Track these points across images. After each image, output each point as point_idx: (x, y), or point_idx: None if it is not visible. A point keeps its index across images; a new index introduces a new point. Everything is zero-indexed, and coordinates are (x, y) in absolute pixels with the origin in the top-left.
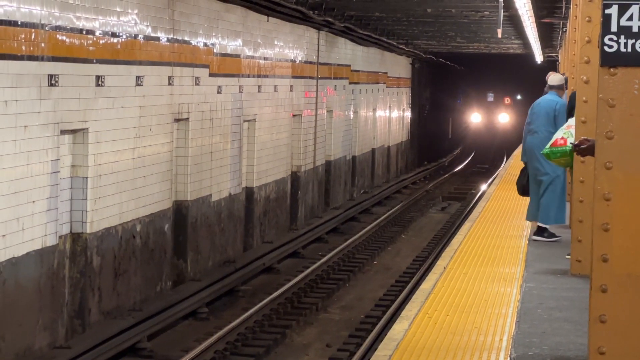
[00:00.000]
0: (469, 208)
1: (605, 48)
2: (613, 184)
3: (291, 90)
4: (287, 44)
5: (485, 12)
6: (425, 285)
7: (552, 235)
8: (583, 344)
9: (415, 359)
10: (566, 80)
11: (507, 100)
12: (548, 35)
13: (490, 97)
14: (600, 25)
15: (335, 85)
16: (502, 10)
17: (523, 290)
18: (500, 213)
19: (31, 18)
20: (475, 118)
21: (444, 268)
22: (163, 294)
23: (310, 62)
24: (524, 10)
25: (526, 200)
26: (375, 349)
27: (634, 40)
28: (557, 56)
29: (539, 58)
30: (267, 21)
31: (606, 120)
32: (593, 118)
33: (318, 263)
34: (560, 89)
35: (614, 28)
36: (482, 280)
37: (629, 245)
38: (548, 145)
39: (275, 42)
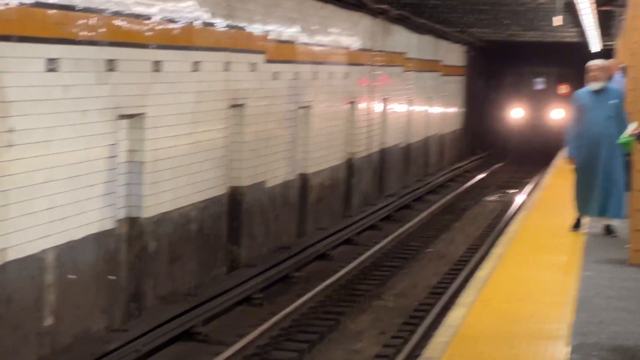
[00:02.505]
0: (524, 197)
1: None
2: None
3: (346, 78)
4: (342, 31)
5: (542, 0)
6: (482, 272)
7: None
8: None
9: (473, 346)
10: (624, 68)
11: (564, 88)
12: (605, 24)
13: (539, 84)
14: None
15: (390, 73)
16: None
17: (581, 278)
18: (556, 202)
19: (90, 3)
20: (515, 114)
21: (500, 256)
22: (217, 279)
23: (366, 50)
24: None
25: None
26: (429, 337)
27: None
28: (613, 44)
29: (595, 47)
30: (324, 8)
31: None
32: None
33: (372, 250)
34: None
35: None
36: (538, 269)
37: None
38: (625, 134)
39: (331, 29)
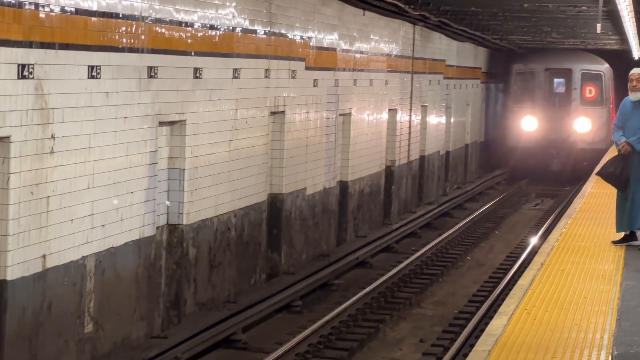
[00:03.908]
0: (563, 205)
1: None
2: None
3: (386, 85)
4: (382, 38)
5: (583, 7)
6: (523, 281)
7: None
8: None
9: (515, 355)
10: None
11: (591, 90)
12: None
13: (560, 87)
14: None
15: (430, 80)
16: (601, 5)
17: (623, 288)
18: (596, 210)
19: (132, 10)
20: (527, 125)
21: (542, 264)
22: (257, 286)
23: (406, 57)
24: (624, 5)
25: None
26: (470, 345)
27: None
28: None
29: (637, 54)
30: (363, 15)
31: None
32: None
33: (411, 258)
34: None
35: None
36: (580, 277)
37: None
38: None
39: (371, 36)
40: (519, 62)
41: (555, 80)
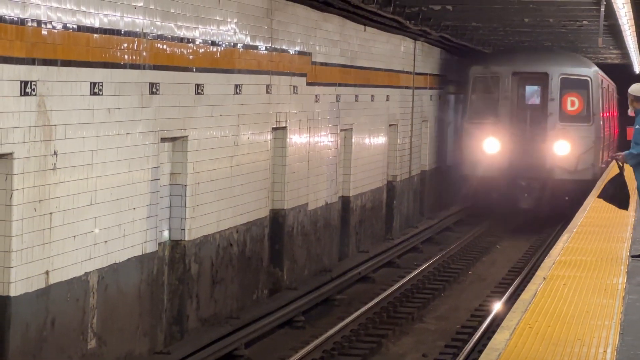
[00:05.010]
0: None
1: None
2: None
3: (387, 100)
4: (383, 54)
5: (584, 22)
6: (525, 295)
7: None
8: None
9: None
10: None
11: (574, 101)
12: None
13: (534, 97)
14: None
15: (430, 95)
16: (602, 19)
17: (626, 302)
18: (598, 224)
19: (134, 27)
20: (488, 149)
21: (544, 278)
22: (259, 302)
23: (407, 72)
24: (625, 19)
25: (623, 212)
26: None
27: None
28: None
29: (638, 67)
30: (364, 30)
31: None
32: None
33: (413, 273)
34: None
35: None
36: (582, 291)
37: None
38: None
39: (372, 52)
40: (478, 64)
41: (527, 88)
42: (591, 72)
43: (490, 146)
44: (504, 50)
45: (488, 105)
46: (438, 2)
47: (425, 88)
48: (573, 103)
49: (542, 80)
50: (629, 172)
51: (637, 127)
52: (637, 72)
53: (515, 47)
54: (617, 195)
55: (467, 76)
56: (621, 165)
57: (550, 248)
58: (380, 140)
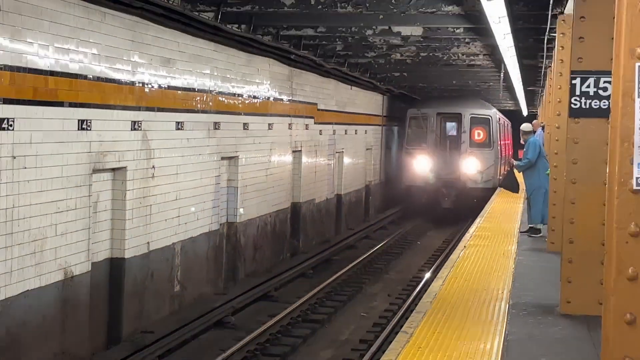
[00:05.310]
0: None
1: (572, 105)
2: (576, 193)
3: (366, 133)
4: (363, 103)
5: (491, 84)
6: (453, 256)
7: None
8: (557, 297)
9: (447, 304)
10: (543, 126)
11: (480, 132)
12: (531, 97)
13: (452, 130)
14: (568, 91)
15: (394, 130)
16: (502, 83)
17: (516, 261)
18: (499, 212)
19: (203, 86)
20: (421, 165)
21: (464, 246)
22: (284, 261)
23: (378, 115)
24: (517, 82)
25: (515, 204)
26: (421, 297)
27: (590, 101)
28: (536, 111)
29: (525, 112)
30: (351, 89)
31: (571, 151)
32: (563, 150)
33: (382, 242)
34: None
35: (577, 92)
36: (489, 255)
37: (587, 233)
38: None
39: (356, 102)
40: (413, 106)
41: (447, 124)
42: (492, 112)
43: (421, 164)
44: (431, 97)
45: (420, 135)
46: (398, 70)
47: (391, 125)
48: (479, 134)
49: (457, 118)
50: (519, 174)
51: (524, 149)
52: (525, 114)
53: (439, 95)
54: (510, 183)
55: (405, 115)
56: (512, 166)
57: (467, 231)
58: (361, 158)
